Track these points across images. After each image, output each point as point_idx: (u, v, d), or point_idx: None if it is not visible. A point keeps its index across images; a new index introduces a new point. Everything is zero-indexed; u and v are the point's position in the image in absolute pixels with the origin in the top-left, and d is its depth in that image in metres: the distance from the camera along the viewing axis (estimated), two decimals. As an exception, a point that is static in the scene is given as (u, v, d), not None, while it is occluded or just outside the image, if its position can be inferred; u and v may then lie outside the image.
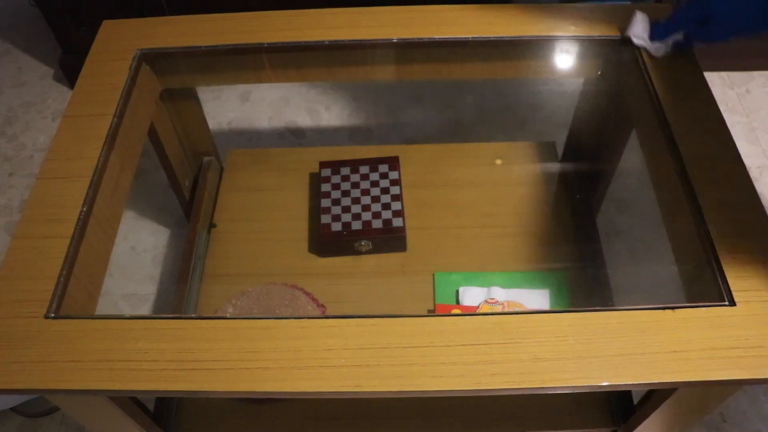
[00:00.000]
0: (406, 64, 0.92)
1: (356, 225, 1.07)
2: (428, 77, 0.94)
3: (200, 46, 0.88)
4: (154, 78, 0.92)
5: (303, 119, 1.59)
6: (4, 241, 1.37)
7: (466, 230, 1.11)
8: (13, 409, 1.13)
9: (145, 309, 1.26)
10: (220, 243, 1.11)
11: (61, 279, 0.66)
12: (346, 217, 1.08)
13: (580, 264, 1.07)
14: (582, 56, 0.92)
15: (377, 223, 1.07)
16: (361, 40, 0.88)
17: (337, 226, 1.07)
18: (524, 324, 0.62)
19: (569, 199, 1.15)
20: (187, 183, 1.16)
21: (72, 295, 0.67)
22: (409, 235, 1.08)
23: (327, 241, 1.06)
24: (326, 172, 1.14)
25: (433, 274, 1.05)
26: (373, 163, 1.15)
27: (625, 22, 0.87)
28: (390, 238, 1.06)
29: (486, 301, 0.99)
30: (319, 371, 0.59)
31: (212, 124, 1.55)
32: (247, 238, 1.11)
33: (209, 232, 1.12)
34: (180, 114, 1.10)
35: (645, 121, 0.83)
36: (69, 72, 1.66)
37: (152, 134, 1.00)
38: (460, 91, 1.63)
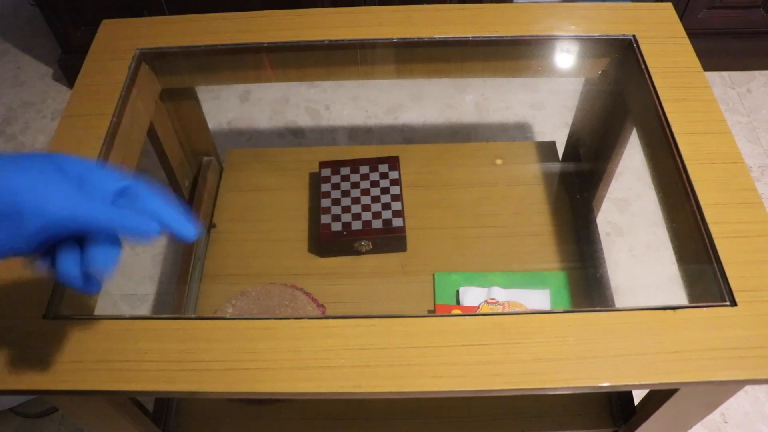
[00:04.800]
0: (406, 63, 0.92)
1: (356, 225, 1.06)
2: (428, 77, 0.94)
3: (200, 46, 0.88)
4: (154, 78, 0.92)
5: (303, 119, 1.59)
6: (4, 241, 1.37)
7: (466, 230, 1.10)
8: (11, 409, 1.13)
9: (145, 309, 1.26)
10: (220, 243, 1.11)
11: (61, 279, 0.66)
12: (346, 217, 1.08)
13: (580, 264, 1.07)
14: (582, 56, 0.92)
15: (377, 223, 1.07)
16: (361, 40, 0.88)
17: (337, 226, 1.07)
18: (525, 324, 0.61)
19: (569, 199, 1.14)
20: (186, 183, 1.16)
21: (71, 295, 0.67)
22: (409, 235, 1.08)
23: (327, 241, 1.06)
24: (326, 172, 1.14)
25: (433, 274, 1.05)
26: (373, 163, 1.15)
27: (625, 22, 0.87)
28: (390, 238, 1.06)
29: (486, 301, 0.99)
30: (319, 371, 0.59)
31: (212, 123, 1.55)
32: (247, 238, 1.11)
33: (209, 232, 1.12)
34: (180, 114, 1.09)
35: (645, 121, 0.83)
36: (68, 71, 1.66)
37: (152, 134, 1.00)
38: (460, 90, 1.63)
